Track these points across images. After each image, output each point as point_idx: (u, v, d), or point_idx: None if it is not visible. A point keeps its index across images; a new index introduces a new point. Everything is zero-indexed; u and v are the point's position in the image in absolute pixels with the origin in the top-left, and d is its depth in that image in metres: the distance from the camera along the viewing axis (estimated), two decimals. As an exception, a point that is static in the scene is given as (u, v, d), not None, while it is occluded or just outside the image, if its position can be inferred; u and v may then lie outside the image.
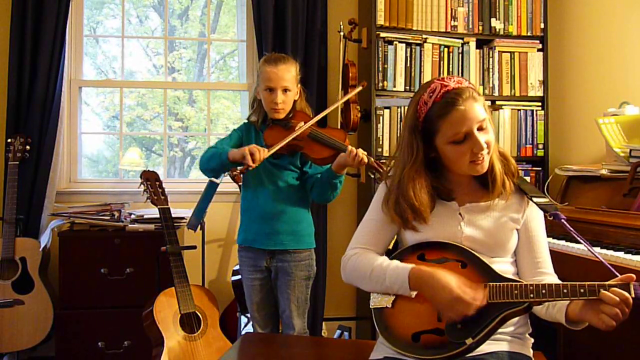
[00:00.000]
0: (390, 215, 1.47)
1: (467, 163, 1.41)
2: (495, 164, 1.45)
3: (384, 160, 2.98)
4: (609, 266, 1.29)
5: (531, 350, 1.47)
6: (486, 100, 1.63)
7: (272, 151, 1.98)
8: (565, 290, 1.26)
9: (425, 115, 1.42)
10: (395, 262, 1.42)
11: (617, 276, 1.25)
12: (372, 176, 2.10)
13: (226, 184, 2.97)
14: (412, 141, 1.44)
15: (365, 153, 2.01)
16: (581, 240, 1.35)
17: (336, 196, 2.15)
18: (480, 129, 1.39)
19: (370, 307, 1.45)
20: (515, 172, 1.49)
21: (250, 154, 1.92)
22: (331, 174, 2.05)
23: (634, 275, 1.24)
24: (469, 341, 1.30)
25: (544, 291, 1.28)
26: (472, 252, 1.41)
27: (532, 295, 1.29)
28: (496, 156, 1.46)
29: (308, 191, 2.17)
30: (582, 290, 1.25)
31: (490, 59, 3.13)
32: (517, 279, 1.37)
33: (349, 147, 2.00)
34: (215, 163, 2.07)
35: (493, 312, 1.31)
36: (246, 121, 2.26)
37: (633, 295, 1.21)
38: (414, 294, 1.38)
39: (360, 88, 2.53)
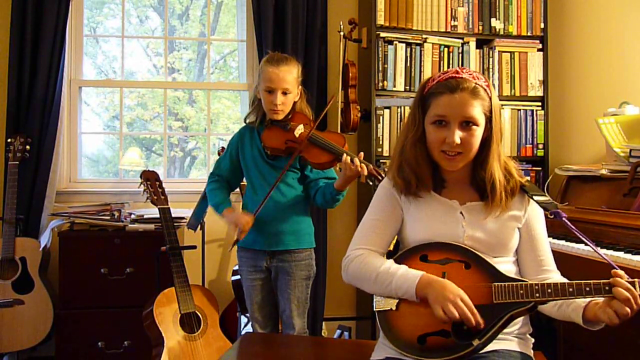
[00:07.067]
0: (394, 180, 1.49)
1: (439, 151, 1.42)
2: (495, 174, 1.43)
3: (383, 160, 2.99)
4: (613, 264, 1.29)
5: (532, 351, 1.46)
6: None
7: (258, 210, 2.07)
8: (571, 289, 1.26)
9: (427, 90, 1.45)
10: (404, 268, 1.41)
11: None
12: (371, 183, 2.01)
13: (226, 184, 2.96)
14: (416, 112, 1.47)
15: (365, 163, 1.96)
16: (584, 239, 1.35)
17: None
18: (464, 125, 1.39)
19: (374, 309, 1.44)
20: (515, 190, 1.46)
21: (238, 227, 2.05)
22: (334, 192, 2.05)
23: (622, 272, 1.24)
24: (475, 342, 1.29)
25: (549, 290, 1.27)
26: (476, 252, 1.39)
27: (537, 295, 1.28)
28: (498, 168, 1.44)
29: (311, 197, 2.18)
30: (587, 289, 1.24)
31: (490, 59, 3.13)
32: (522, 279, 1.36)
33: (345, 156, 1.97)
34: (213, 208, 2.24)
35: (499, 312, 1.31)
36: (244, 124, 2.26)
37: (639, 293, 1.21)
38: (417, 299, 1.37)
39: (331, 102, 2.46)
